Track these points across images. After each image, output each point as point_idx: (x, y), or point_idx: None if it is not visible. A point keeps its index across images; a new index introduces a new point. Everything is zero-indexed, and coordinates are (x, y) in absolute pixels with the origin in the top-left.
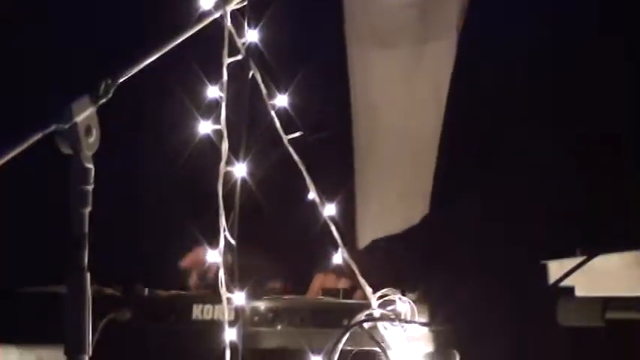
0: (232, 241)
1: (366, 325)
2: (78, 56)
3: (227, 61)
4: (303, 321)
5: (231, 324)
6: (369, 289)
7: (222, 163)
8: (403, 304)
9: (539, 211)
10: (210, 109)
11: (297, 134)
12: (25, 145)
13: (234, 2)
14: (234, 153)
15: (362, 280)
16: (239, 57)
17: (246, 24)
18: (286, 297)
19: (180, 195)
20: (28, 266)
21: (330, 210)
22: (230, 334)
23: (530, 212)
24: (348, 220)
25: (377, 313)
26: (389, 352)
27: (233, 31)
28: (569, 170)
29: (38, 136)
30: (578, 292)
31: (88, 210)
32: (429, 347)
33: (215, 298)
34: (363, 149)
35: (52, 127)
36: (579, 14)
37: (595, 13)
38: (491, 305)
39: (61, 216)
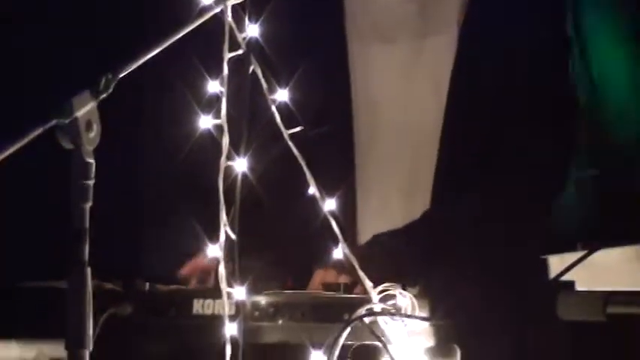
0: (233, 236)
1: (366, 319)
2: (78, 52)
3: (228, 55)
4: (303, 315)
5: (232, 318)
6: (369, 284)
7: (223, 158)
8: (404, 299)
9: (540, 208)
10: (211, 104)
11: (297, 129)
12: (26, 140)
13: None
14: (235, 148)
15: (362, 275)
16: (240, 52)
17: (246, 19)
18: (287, 291)
19: (181, 189)
20: (28, 261)
21: (330, 205)
22: (231, 329)
23: (531, 209)
24: (348, 215)
25: (377, 307)
26: (389, 347)
27: (234, 25)
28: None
29: (39, 130)
30: (579, 287)
31: (88, 205)
32: (429, 342)
33: (216, 293)
34: (363, 144)
35: (53, 122)
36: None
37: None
38: (492, 300)
39: (61, 211)
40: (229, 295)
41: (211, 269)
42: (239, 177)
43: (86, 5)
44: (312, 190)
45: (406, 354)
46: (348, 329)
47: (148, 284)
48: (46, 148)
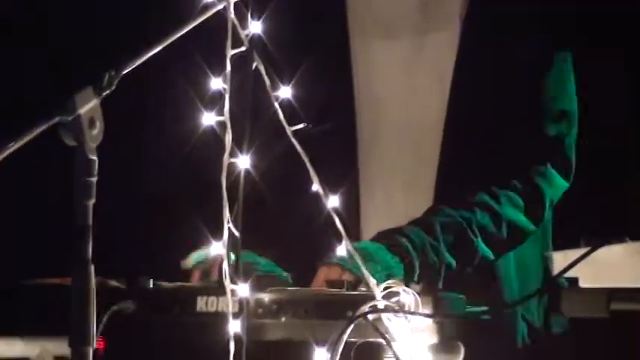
0: (236, 233)
1: (370, 316)
2: (80, 50)
3: (230, 52)
4: (307, 313)
5: (236, 316)
6: (373, 281)
7: (226, 155)
8: (407, 296)
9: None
10: (214, 101)
11: (300, 126)
12: (28, 138)
13: None
14: (238, 145)
15: (366, 272)
16: (242, 49)
17: (249, 15)
18: (290, 289)
19: (184, 187)
20: (31, 258)
21: (333, 202)
22: (234, 326)
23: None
24: (351, 212)
25: (381, 304)
26: (393, 344)
27: (236, 22)
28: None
29: (42, 127)
30: (583, 283)
31: (91, 202)
32: (433, 339)
33: (219, 290)
34: (366, 141)
35: (56, 119)
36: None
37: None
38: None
39: (64, 208)
40: (233, 292)
41: (215, 262)
42: (242, 174)
43: (88, 2)
44: (316, 186)
45: (410, 351)
46: (352, 326)
47: (151, 281)
48: (49, 145)
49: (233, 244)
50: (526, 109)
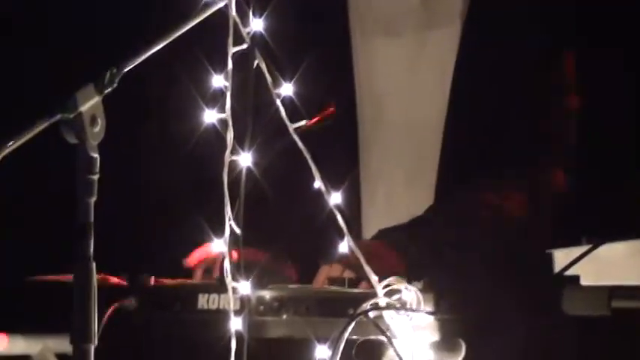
0: (238, 231)
1: (371, 314)
2: (80, 47)
3: (232, 50)
4: (308, 310)
5: (237, 313)
6: (374, 278)
7: (228, 152)
8: (409, 293)
9: (544, 200)
10: (216, 98)
11: (302, 123)
12: (30, 135)
13: None
14: (240, 142)
15: (368, 269)
16: (244, 46)
17: (251, 13)
18: (292, 286)
19: (186, 184)
20: (33, 256)
21: (335, 199)
22: (236, 324)
23: (535, 202)
24: (353, 209)
25: (383, 302)
26: (395, 341)
27: (238, 20)
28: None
29: (43, 125)
30: (584, 281)
31: (93, 199)
32: (434, 336)
33: (220, 288)
34: (367, 138)
35: (58, 117)
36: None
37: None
38: (498, 294)
39: (66, 206)
40: (234, 289)
41: (217, 259)
42: (244, 171)
43: (88, 2)
44: (317, 184)
45: (411, 348)
46: (353, 324)
47: (153, 279)
48: (51, 142)
49: (235, 242)
50: (527, 106)
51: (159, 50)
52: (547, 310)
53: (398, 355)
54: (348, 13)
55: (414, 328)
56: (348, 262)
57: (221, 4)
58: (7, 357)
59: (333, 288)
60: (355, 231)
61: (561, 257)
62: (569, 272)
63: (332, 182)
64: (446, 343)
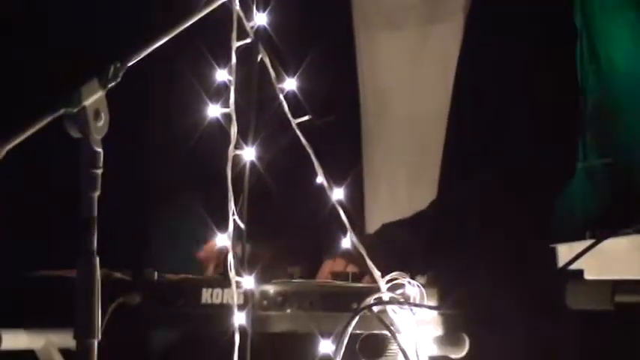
0: (241, 225)
1: (375, 308)
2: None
3: (236, 44)
4: (312, 305)
5: (241, 308)
6: (377, 273)
7: (231, 147)
8: (412, 288)
9: (547, 195)
10: (219, 93)
11: (305, 118)
12: (34, 129)
13: None
14: (243, 136)
15: (371, 264)
16: (248, 40)
17: (254, 7)
18: (295, 281)
19: (190, 179)
20: (36, 251)
21: (338, 194)
22: (239, 318)
23: (539, 195)
24: (356, 204)
25: (386, 296)
26: (398, 336)
27: (242, 14)
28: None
29: (47, 119)
30: (588, 276)
31: (97, 194)
32: (438, 331)
33: (224, 282)
34: (371, 132)
35: (61, 111)
36: None
37: None
38: (500, 288)
39: (69, 200)
40: (238, 284)
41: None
42: (247, 166)
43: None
44: (320, 179)
45: (415, 343)
46: (357, 318)
47: (156, 273)
48: (55, 137)
49: (238, 236)
50: (528, 100)
51: (162, 45)
52: (550, 304)
53: (401, 349)
54: (351, 8)
55: (418, 322)
56: (351, 256)
57: None
58: (11, 352)
59: (337, 282)
60: (358, 226)
61: (565, 251)
62: (573, 266)
63: (335, 177)
64: (449, 338)
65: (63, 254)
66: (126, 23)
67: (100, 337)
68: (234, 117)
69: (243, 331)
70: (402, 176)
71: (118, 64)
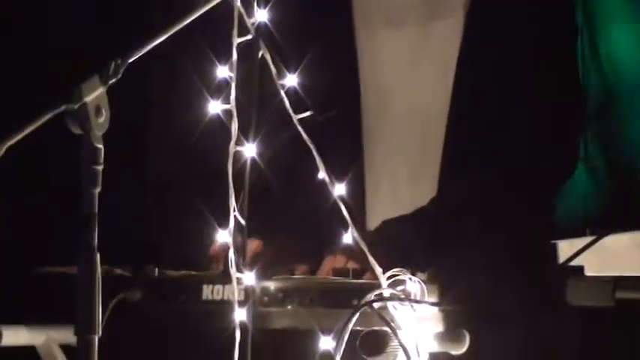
0: (242, 221)
1: (375, 305)
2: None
3: (237, 41)
4: (312, 301)
5: (241, 304)
6: (379, 269)
7: (232, 143)
8: (413, 284)
9: (548, 191)
10: (220, 89)
11: (306, 114)
12: (35, 126)
13: None
14: (244, 133)
15: (372, 260)
16: (249, 37)
17: (255, 4)
18: (296, 277)
19: (190, 175)
20: (37, 247)
21: (340, 190)
22: (240, 314)
23: (539, 192)
24: (357, 201)
25: (387, 293)
26: (399, 332)
27: (242, 10)
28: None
29: (48, 116)
30: (588, 272)
31: (98, 190)
32: (438, 327)
33: (225, 278)
34: (372, 129)
35: (62, 108)
36: None
37: None
38: (501, 285)
39: (70, 196)
40: (239, 280)
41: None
42: (248, 162)
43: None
44: (322, 175)
45: (415, 339)
46: (357, 315)
47: (157, 270)
48: (56, 133)
49: (239, 233)
50: (528, 98)
51: (163, 41)
52: (551, 300)
53: (402, 345)
54: (352, 5)
55: (418, 319)
56: (352, 253)
57: None
58: (12, 348)
59: (338, 279)
60: (359, 222)
61: (566, 248)
62: (574, 263)
63: (336, 173)
64: (450, 334)
65: (64, 250)
66: (126, 23)
67: (100, 333)
68: (235, 113)
69: (243, 327)
70: (403, 173)
71: (119, 61)
